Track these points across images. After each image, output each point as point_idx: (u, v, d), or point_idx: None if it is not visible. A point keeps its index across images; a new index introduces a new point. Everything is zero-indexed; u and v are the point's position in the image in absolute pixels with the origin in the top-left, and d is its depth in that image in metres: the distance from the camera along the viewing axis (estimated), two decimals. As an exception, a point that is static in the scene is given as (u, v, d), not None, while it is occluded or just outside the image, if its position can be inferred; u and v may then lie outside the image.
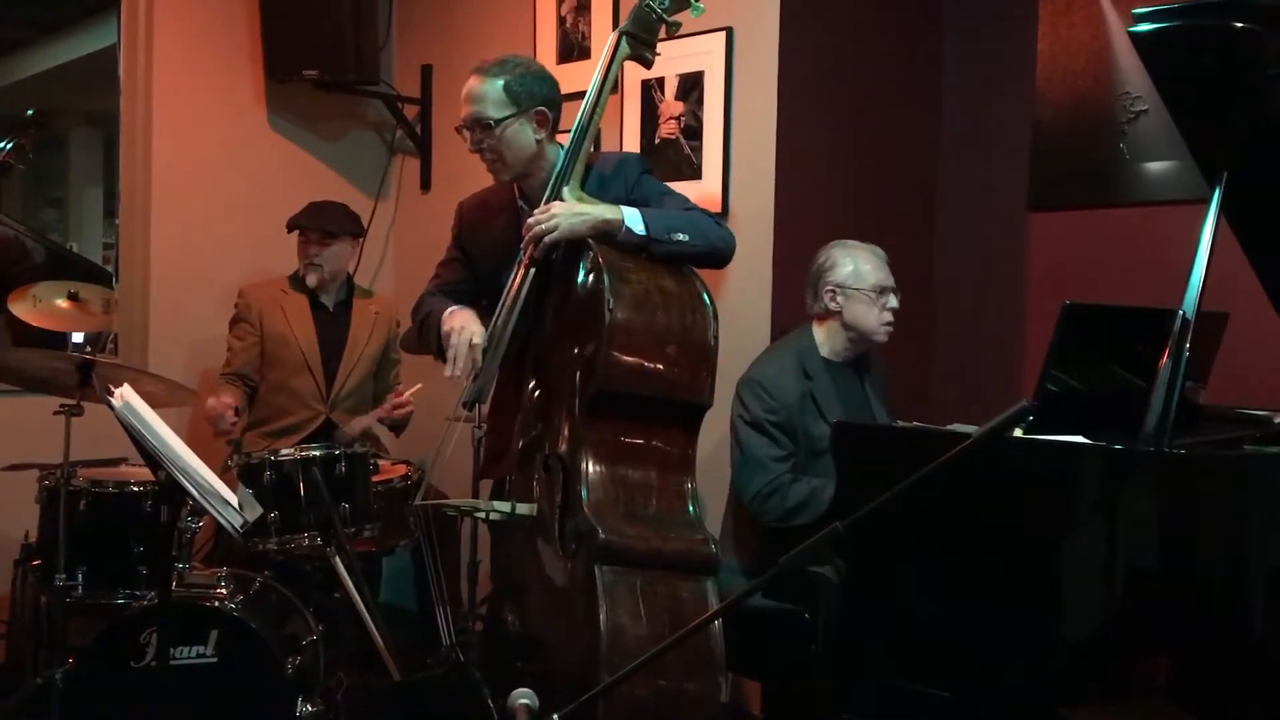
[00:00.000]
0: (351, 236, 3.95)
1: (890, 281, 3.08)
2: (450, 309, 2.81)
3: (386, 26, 4.59)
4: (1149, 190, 3.39)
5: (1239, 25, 2.27)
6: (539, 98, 2.75)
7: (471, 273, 2.96)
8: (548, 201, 2.69)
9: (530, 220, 2.66)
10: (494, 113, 2.71)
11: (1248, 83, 2.36)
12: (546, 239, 2.62)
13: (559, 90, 2.82)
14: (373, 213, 4.57)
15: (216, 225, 4.33)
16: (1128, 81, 3.41)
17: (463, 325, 2.73)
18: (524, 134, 2.74)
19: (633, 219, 2.62)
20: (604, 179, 2.79)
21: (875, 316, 3.06)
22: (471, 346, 2.70)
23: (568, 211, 2.62)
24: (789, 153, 3.40)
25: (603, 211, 2.63)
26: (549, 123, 2.77)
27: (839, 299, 3.06)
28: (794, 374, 3.03)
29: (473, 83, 2.75)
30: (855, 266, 3.06)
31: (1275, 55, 2.30)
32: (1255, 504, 2.24)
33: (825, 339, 3.11)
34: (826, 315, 3.10)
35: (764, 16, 3.38)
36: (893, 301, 3.08)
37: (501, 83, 2.72)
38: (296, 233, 3.90)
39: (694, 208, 2.78)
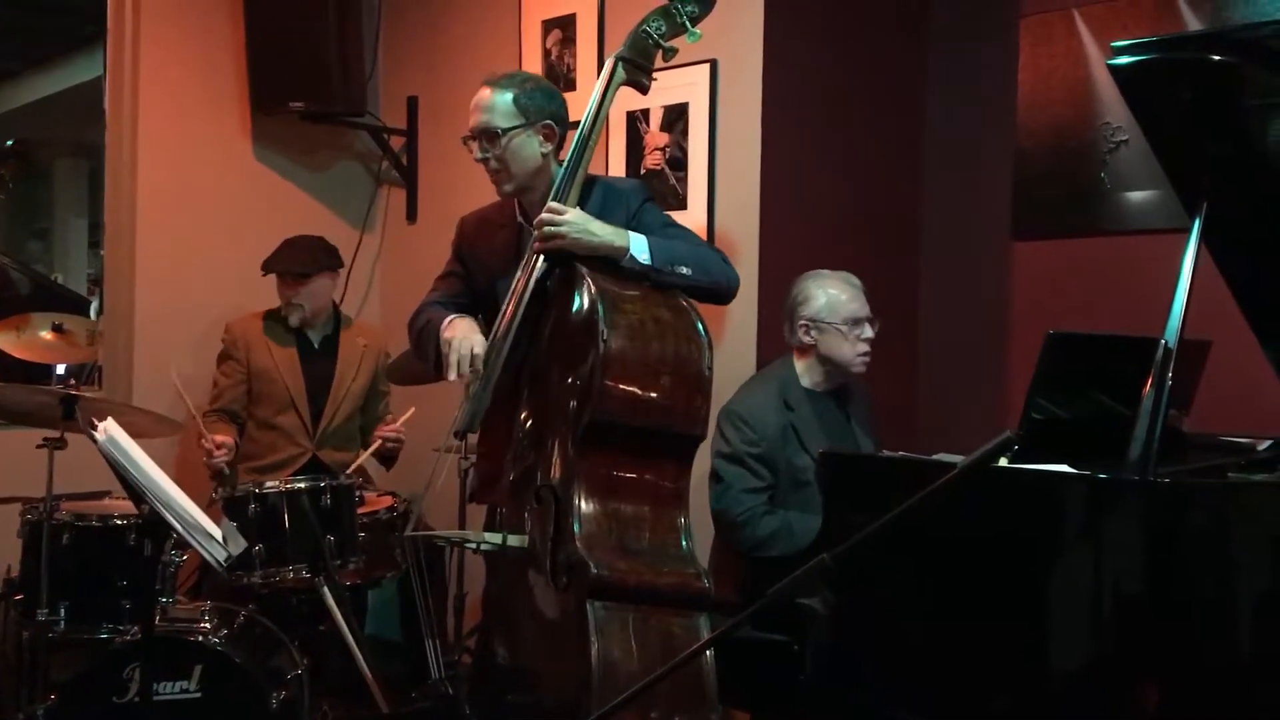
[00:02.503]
0: (329, 271, 3.93)
1: (864, 312, 3.07)
2: (450, 318, 2.80)
3: (372, 58, 4.60)
4: (1130, 219, 3.42)
5: (1217, 58, 2.29)
6: (546, 112, 2.77)
7: (469, 286, 2.96)
8: None
9: (544, 213, 2.63)
10: (501, 123, 2.73)
11: (1226, 114, 2.39)
12: (549, 242, 2.62)
13: (566, 109, 2.84)
14: (359, 244, 4.57)
15: (202, 257, 4.32)
16: (1108, 112, 3.45)
17: (463, 335, 2.72)
18: (530, 146, 2.75)
19: (639, 247, 2.62)
20: (605, 202, 2.78)
21: (850, 349, 3.06)
22: (473, 354, 2.67)
23: (580, 222, 2.62)
24: (773, 183, 3.42)
25: (611, 237, 2.62)
26: (555, 137, 2.78)
27: (813, 333, 3.07)
28: (775, 405, 3.03)
29: (483, 93, 2.77)
30: (828, 299, 3.06)
31: (1253, 87, 2.33)
32: (1239, 531, 2.25)
33: (805, 370, 3.12)
34: (804, 348, 3.11)
35: (748, 49, 3.41)
36: (868, 332, 3.07)
37: (511, 95, 2.74)
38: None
39: (703, 243, 2.79)
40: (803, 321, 3.08)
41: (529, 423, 2.73)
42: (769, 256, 3.40)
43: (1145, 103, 2.50)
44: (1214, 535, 2.24)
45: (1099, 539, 2.23)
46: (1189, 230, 2.41)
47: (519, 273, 2.71)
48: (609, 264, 2.63)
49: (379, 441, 3.78)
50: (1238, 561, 2.23)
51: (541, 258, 2.66)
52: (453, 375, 2.67)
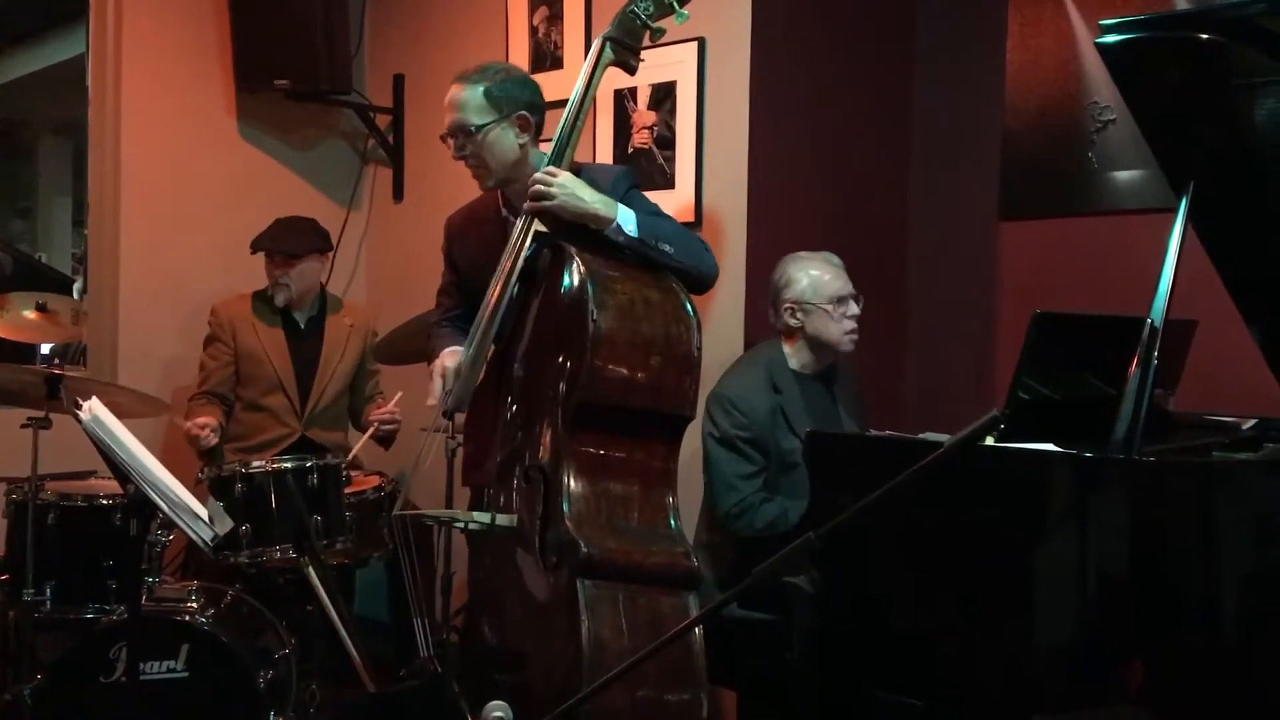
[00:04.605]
0: (318, 253, 3.92)
1: (847, 289, 3.07)
2: (439, 354, 2.85)
3: (358, 36, 4.57)
4: (1117, 199, 3.42)
5: (1205, 37, 2.29)
6: (520, 102, 2.76)
7: (465, 292, 2.97)
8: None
9: (537, 175, 2.66)
10: (475, 119, 2.72)
11: (1214, 94, 2.39)
12: (539, 204, 2.63)
13: (541, 95, 2.83)
14: (345, 223, 4.55)
15: (186, 235, 4.30)
16: (1096, 91, 3.44)
17: (444, 367, 2.80)
18: (506, 139, 2.75)
19: (626, 218, 2.63)
20: (593, 186, 2.77)
21: (837, 327, 3.05)
22: (444, 371, 2.78)
23: (570, 187, 2.63)
24: (761, 162, 3.41)
25: (598, 206, 2.63)
26: (531, 127, 2.78)
27: (799, 315, 3.06)
28: (763, 388, 3.03)
29: (454, 91, 2.76)
30: (810, 280, 3.06)
31: (1240, 66, 2.33)
32: (1224, 510, 2.26)
33: (793, 352, 3.11)
34: (790, 331, 3.11)
35: (736, 27, 3.39)
36: (853, 309, 3.07)
37: (482, 89, 2.73)
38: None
39: (688, 230, 2.83)
40: (787, 304, 3.07)
41: (517, 403, 2.73)
42: (757, 236, 3.40)
43: (1133, 82, 2.50)
44: (1199, 514, 2.26)
45: (1084, 518, 2.24)
46: (1176, 210, 2.42)
47: (506, 253, 2.70)
48: (597, 244, 2.63)
49: (375, 426, 3.77)
50: (1222, 540, 2.25)
51: (529, 238, 2.66)
52: (430, 401, 2.80)
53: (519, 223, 2.69)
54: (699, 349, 2.63)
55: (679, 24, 2.75)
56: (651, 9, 2.71)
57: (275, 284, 3.87)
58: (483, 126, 2.72)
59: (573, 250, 2.59)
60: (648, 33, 2.74)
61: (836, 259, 3.13)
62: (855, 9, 3.71)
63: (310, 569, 3.12)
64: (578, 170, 2.77)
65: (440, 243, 3.08)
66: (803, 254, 3.14)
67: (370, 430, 3.76)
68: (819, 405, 3.10)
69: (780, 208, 3.47)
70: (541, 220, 2.67)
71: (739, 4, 3.38)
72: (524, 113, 2.76)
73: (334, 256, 4.21)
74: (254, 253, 3.86)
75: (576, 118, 2.71)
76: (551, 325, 2.65)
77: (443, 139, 2.80)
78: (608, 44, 2.73)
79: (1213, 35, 2.29)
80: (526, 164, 2.77)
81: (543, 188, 2.63)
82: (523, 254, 2.67)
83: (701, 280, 2.76)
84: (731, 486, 2.96)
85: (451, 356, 2.82)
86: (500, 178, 2.79)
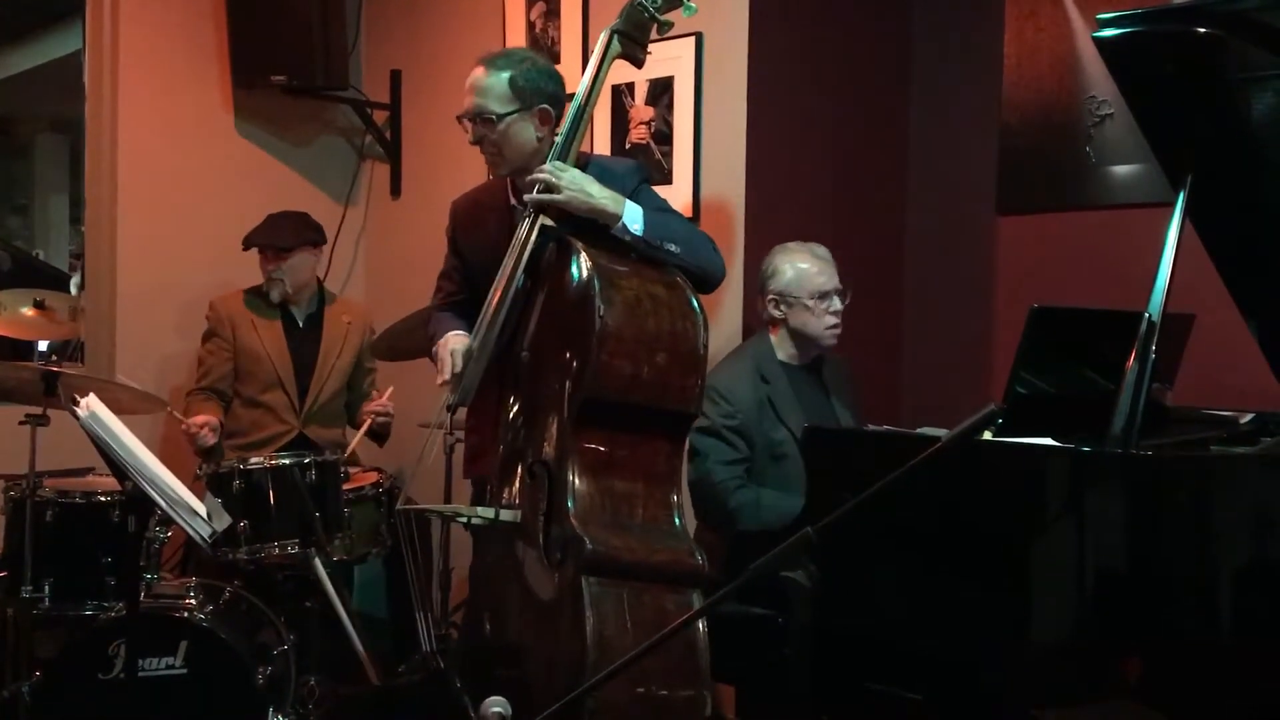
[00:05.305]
0: (310, 246, 3.91)
1: (831, 284, 3.06)
2: (445, 336, 2.81)
3: (355, 31, 4.57)
4: (1115, 193, 3.42)
5: (1202, 31, 2.29)
6: (544, 95, 2.72)
7: (467, 278, 2.94)
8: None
9: (542, 168, 2.63)
10: (497, 107, 2.68)
11: (1211, 87, 2.39)
12: (545, 197, 2.61)
13: (564, 88, 2.79)
14: (342, 219, 4.54)
15: (184, 232, 4.29)
16: (1094, 85, 3.44)
17: (452, 347, 2.74)
18: (526, 131, 2.71)
19: (632, 217, 2.61)
20: (601, 181, 2.71)
21: (818, 323, 3.05)
22: (451, 356, 2.73)
23: (578, 182, 2.60)
24: (759, 157, 3.41)
25: (606, 202, 2.60)
26: (551, 120, 2.74)
27: (782, 307, 3.07)
28: (751, 379, 3.03)
29: (478, 74, 2.71)
30: (795, 273, 3.05)
31: (1238, 61, 2.33)
32: (1221, 505, 2.27)
33: (780, 344, 3.12)
34: (775, 322, 3.11)
35: (733, 22, 3.39)
36: (836, 304, 3.06)
37: (508, 76, 2.68)
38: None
39: (696, 229, 2.80)
40: (771, 296, 3.08)
41: (520, 398, 2.72)
42: (754, 231, 3.40)
43: (1130, 76, 2.50)
44: (1196, 508, 2.26)
45: (1082, 512, 2.25)
46: (1173, 204, 2.42)
47: (512, 247, 2.68)
48: (603, 239, 2.62)
49: (370, 420, 3.77)
50: (1219, 534, 2.25)
51: (536, 232, 2.65)
52: (440, 379, 2.75)
53: (525, 216, 2.68)
54: (705, 346, 2.61)
55: (687, 17, 2.72)
56: (659, 1, 2.68)
57: (269, 279, 3.87)
58: (504, 116, 2.68)
59: (579, 245, 2.57)
60: (655, 25, 2.70)
61: (825, 251, 3.12)
62: (852, 3, 3.71)
63: (317, 560, 3.12)
64: (588, 160, 2.76)
65: (438, 233, 3.06)
66: (791, 245, 3.13)
67: (365, 425, 3.77)
68: (809, 395, 3.10)
69: (778, 202, 3.47)
70: (548, 214, 2.65)
71: (736, -1, 3.39)
72: (546, 106, 2.71)
73: (331, 253, 4.21)
74: (246, 249, 3.86)
75: (583, 111, 2.68)
76: (557, 320, 2.63)
77: (459, 119, 2.75)
78: (615, 37, 2.68)
79: (1210, 29, 2.30)
80: (542, 155, 2.73)
81: (550, 179, 2.61)
82: (529, 248, 2.65)
83: (707, 280, 2.74)
84: (710, 471, 2.96)
85: (458, 339, 2.77)
86: (514, 166, 2.75)
